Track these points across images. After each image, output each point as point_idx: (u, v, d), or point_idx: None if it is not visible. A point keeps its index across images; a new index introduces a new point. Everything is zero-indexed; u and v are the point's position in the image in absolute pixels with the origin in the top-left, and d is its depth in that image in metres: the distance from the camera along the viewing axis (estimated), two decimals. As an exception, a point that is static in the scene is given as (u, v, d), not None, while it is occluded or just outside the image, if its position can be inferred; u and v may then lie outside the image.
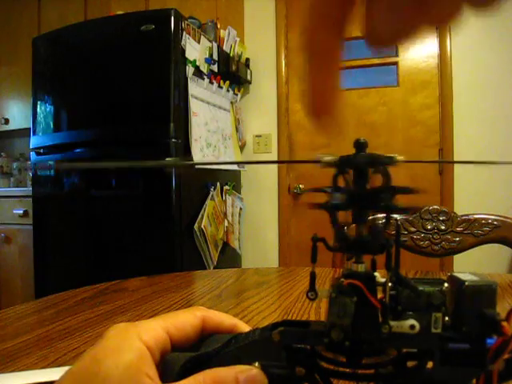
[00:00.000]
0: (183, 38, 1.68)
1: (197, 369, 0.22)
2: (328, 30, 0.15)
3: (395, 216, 0.23)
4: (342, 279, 0.22)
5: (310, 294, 0.24)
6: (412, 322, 0.21)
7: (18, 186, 2.69)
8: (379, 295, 0.22)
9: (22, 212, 2.21)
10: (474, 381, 0.21)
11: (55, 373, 0.37)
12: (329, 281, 0.73)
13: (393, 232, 0.23)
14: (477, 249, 1.01)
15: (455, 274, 0.22)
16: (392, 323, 0.21)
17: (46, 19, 2.53)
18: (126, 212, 1.73)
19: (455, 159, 2.04)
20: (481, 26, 1.99)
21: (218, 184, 1.94)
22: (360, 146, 0.23)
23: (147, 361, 0.22)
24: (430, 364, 0.22)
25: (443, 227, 1.02)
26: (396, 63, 2.15)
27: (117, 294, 0.68)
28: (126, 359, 0.21)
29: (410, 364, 0.22)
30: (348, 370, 0.22)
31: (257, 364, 0.23)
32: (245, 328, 0.27)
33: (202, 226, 1.73)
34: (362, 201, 0.22)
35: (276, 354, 0.23)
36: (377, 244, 0.22)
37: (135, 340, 0.23)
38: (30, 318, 0.58)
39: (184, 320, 0.26)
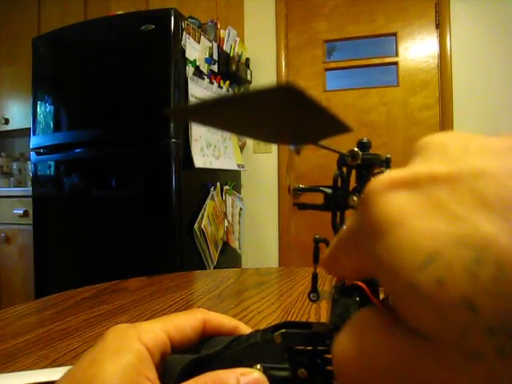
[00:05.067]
0: (183, 37, 1.68)
1: (197, 371, 0.22)
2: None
3: None
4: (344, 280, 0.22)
5: (311, 295, 0.24)
6: None
7: (18, 186, 2.69)
8: (381, 296, 0.22)
9: (22, 212, 2.21)
10: None
11: (55, 373, 0.37)
12: (329, 281, 0.73)
13: None
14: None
15: None
16: None
17: (46, 19, 2.53)
18: (126, 212, 1.73)
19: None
20: (481, 26, 1.99)
21: (218, 184, 1.94)
22: (363, 145, 0.23)
23: (147, 363, 0.22)
24: None
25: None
26: (396, 63, 2.15)
27: (117, 294, 0.68)
28: (125, 361, 0.21)
29: None
30: None
31: (258, 366, 0.22)
32: (246, 330, 0.27)
33: (202, 226, 1.73)
34: None
35: (278, 356, 0.23)
36: None
37: (135, 341, 0.22)
38: (29, 318, 0.58)
39: (184, 322, 0.26)
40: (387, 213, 0.12)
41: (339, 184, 0.23)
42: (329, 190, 0.23)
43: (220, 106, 0.14)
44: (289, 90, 0.12)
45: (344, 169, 0.23)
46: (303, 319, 0.53)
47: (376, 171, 0.23)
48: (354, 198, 0.22)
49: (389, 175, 0.13)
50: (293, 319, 0.53)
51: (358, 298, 0.21)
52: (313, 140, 0.18)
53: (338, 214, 0.23)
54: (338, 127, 0.17)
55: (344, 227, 0.16)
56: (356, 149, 0.22)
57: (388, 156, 0.23)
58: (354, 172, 0.23)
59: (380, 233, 0.12)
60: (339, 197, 0.23)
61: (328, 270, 0.18)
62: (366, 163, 0.22)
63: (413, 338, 0.12)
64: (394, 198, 0.12)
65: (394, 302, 0.12)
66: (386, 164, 0.23)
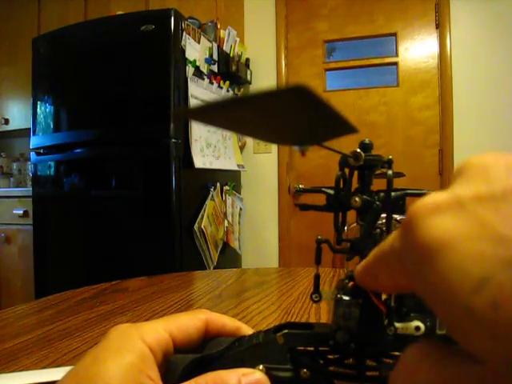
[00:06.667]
0: (183, 38, 1.68)
1: (199, 371, 0.22)
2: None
3: (395, 216, 0.23)
4: (347, 281, 0.22)
5: (314, 296, 0.24)
6: (417, 323, 0.21)
7: (18, 186, 2.69)
8: (384, 297, 0.22)
9: (22, 212, 2.21)
10: None
11: (55, 373, 0.37)
12: (329, 281, 0.73)
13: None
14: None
15: None
16: (397, 325, 0.21)
17: (46, 19, 2.53)
18: (126, 212, 1.73)
19: (455, 160, 2.04)
20: (481, 26, 1.99)
21: (218, 184, 1.94)
22: (365, 147, 0.23)
23: (149, 362, 0.22)
24: None
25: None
26: (396, 63, 2.15)
27: (117, 294, 0.68)
28: (127, 360, 0.21)
29: None
30: (353, 372, 0.22)
31: (261, 367, 0.22)
32: (248, 331, 0.27)
33: (202, 227, 1.73)
34: (369, 202, 0.22)
35: (280, 356, 0.23)
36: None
37: (137, 341, 0.22)
38: (30, 318, 0.58)
39: (187, 322, 0.26)
40: (435, 236, 0.12)
41: (341, 185, 0.23)
42: (331, 191, 0.23)
43: (231, 106, 0.14)
44: (301, 90, 0.12)
45: (346, 170, 0.23)
46: (303, 319, 0.53)
47: (378, 172, 0.23)
48: (356, 199, 0.22)
49: (432, 198, 0.13)
50: (293, 319, 0.53)
51: (360, 300, 0.21)
52: (320, 141, 0.19)
53: (340, 214, 0.23)
54: (345, 128, 0.17)
55: (383, 244, 0.16)
56: (358, 150, 0.22)
57: (390, 157, 0.23)
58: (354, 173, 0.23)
59: (429, 257, 0.12)
60: (341, 198, 0.23)
61: (363, 283, 0.18)
62: (368, 164, 0.22)
63: (468, 366, 0.12)
64: (440, 220, 0.13)
65: (449, 326, 0.12)
66: (388, 165, 0.23)
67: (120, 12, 1.94)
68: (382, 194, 0.23)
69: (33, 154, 1.96)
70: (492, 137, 1.97)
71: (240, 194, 2.24)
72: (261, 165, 2.32)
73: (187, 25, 1.72)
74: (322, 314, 0.55)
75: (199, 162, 1.73)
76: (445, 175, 2.05)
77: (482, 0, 1.98)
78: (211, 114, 0.15)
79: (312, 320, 0.53)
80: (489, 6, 1.97)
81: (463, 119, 2.02)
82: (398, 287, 0.16)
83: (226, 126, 0.17)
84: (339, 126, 0.16)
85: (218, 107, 0.14)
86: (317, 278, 0.25)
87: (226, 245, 1.97)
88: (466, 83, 2.02)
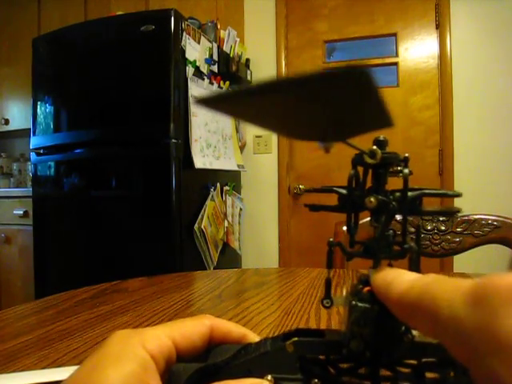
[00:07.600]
0: (183, 38, 1.68)
1: (204, 381, 0.21)
2: None
3: (396, 217, 0.22)
4: (361, 286, 0.21)
5: (325, 301, 0.23)
6: None
7: (18, 187, 2.69)
8: None
9: (22, 212, 2.21)
10: None
11: (55, 373, 0.37)
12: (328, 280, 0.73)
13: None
14: (477, 249, 1.01)
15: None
16: (414, 332, 0.20)
17: (46, 19, 2.53)
18: (126, 212, 1.73)
19: (455, 160, 2.04)
20: (481, 26, 1.99)
21: (218, 184, 1.94)
22: (381, 144, 0.21)
23: (151, 370, 0.21)
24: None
25: (443, 228, 1.02)
26: (396, 63, 2.15)
27: (117, 295, 0.68)
28: (128, 368, 0.20)
29: (428, 375, 0.21)
30: (367, 383, 0.21)
31: (269, 377, 0.21)
32: (254, 338, 0.26)
33: (202, 227, 1.73)
34: (386, 203, 0.21)
35: (290, 365, 0.21)
36: (393, 249, 0.21)
37: (139, 348, 0.21)
38: (29, 319, 0.58)
39: (191, 328, 0.24)
40: None
41: (353, 184, 0.22)
42: (344, 191, 0.22)
43: (269, 90, 0.12)
44: (362, 74, 0.12)
45: (359, 168, 0.22)
46: (303, 320, 0.53)
47: (392, 170, 0.22)
48: (372, 200, 0.21)
49: None
50: (293, 320, 0.53)
51: (376, 306, 0.20)
52: (346, 136, 0.17)
53: (353, 215, 0.22)
54: (384, 121, 0.15)
55: (436, 294, 0.15)
56: (375, 147, 0.21)
57: (406, 155, 0.22)
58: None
59: (504, 350, 0.12)
60: (355, 198, 0.22)
61: (392, 307, 0.18)
62: (383, 162, 0.21)
63: None
64: None
65: None
66: (404, 163, 0.22)
67: (120, 12, 1.94)
68: (397, 194, 0.21)
69: (33, 155, 1.96)
70: (492, 137, 1.97)
71: (240, 194, 2.24)
72: (261, 165, 2.32)
73: (187, 25, 1.72)
74: (322, 314, 0.55)
75: (199, 162, 1.73)
76: (445, 175, 2.05)
77: (482, 0, 1.98)
78: (240, 100, 0.13)
79: (312, 321, 0.53)
80: (489, 6, 1.97)
81: (463, 119, 2.02)
82: (435, 337, 0.15)
83: (250, 118, 0.15)
84: (380, 118, 0.15)
85: (255, 91, 0.12)
86: (328, 282, 0.23)
87: (226, 245, 1.97)
88: (466, 83, 2.02)
